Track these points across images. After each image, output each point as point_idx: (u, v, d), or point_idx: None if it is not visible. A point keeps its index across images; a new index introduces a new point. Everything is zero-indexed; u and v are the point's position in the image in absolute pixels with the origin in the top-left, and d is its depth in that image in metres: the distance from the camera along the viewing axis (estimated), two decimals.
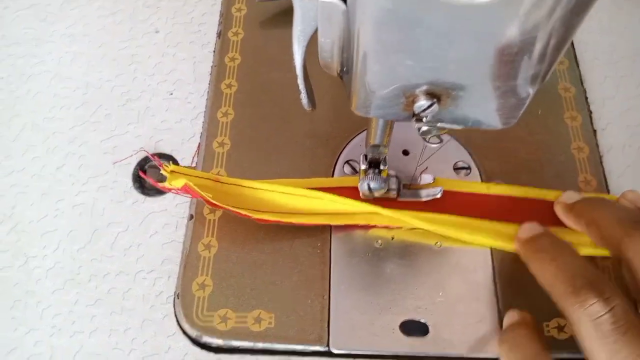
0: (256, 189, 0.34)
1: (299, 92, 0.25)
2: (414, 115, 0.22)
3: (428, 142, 0.29)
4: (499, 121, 0.22)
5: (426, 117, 0.22)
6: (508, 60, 0.18)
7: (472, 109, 0.21)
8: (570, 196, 0.33)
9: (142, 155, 0.38)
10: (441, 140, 0.28)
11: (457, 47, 0.18)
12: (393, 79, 0.20)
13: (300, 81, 0.24)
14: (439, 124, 0.24)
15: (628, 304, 0.24)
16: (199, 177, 0.33)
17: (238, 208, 0.32)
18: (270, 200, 0.34)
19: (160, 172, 0.33)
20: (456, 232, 0.33)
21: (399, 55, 0.19)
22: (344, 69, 0.23)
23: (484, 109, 0.21)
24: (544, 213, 0.34)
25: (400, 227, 0.34)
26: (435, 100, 0.21)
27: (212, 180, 0.34)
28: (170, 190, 0.32)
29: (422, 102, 0.21)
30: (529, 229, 0.31)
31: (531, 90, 0.20)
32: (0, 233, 0.35)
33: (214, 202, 0.32)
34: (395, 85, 0.21)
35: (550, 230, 0.31)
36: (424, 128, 0.26)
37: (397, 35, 0.18)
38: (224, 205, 0.32)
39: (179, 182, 0.31)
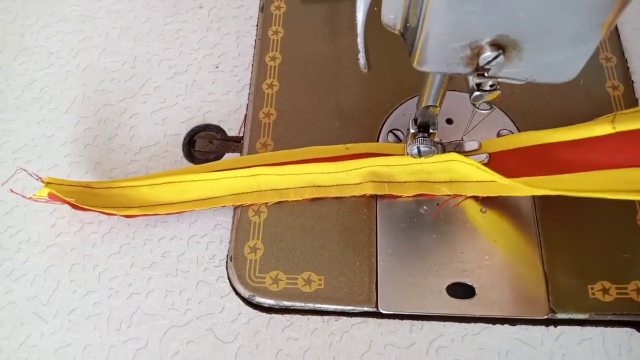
0: (124, 187, 0.35)
1: (358, 52, 0.26)
2: (476, 69, 0.23)
3: (478, 108, 0.29)
4: (560, 74, 0.22)
5: (489, 70, 0.23)
6: (578, 8, 0.19)
7: (536, 61, 0.22)
8: None
9: (190, 125, 0.39)
10: (491, 107, 0.29)
11: None
12: (460, 29, 0.21)
13: (360, 40, 0.25)
14: (499, 79, 0.24)
15: None
16: (71, 185, 0.35)
17: (104, 208, 0.34)
18: (137, 195, 0.35)
19: (210, 141, 0.34)
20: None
21: (471, 3, 0.19)
22: (407, 25, 0.23)
23: (547, 60, 0.22)
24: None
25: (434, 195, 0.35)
26: (501, 51, 0.21)
27: (83, 186, 0.35)
28: (38, 200, 0.34)
29: (488, 54, 0.21)
30: None
31: (597, 40, 0.20)
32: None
33: (79, 205, 0.34)
34: (463, 36, 0.21)
35: None
36: (477, 93, 0.27)
37: None
38: (90, 208, 0.34)
39: (44, 192, 0.33)
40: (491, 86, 0.26)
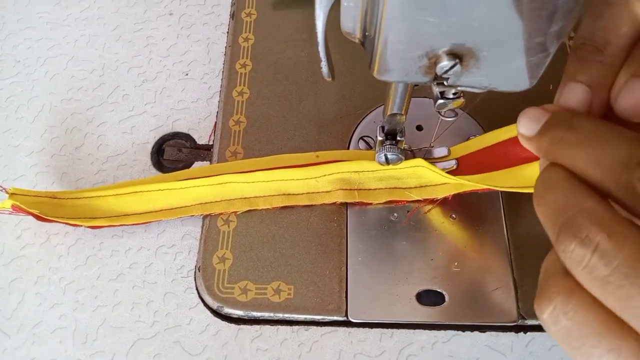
0: (90, 197, 0.35)
1: (320, 61, 0.26)
2: (435, 78, 0.23)
3: (443, 115, 0.29)
4: (518, 83, 0.22)
5: (447, 79, 0.23)
6: (533, 15, 0.19)
7: (494, 70, 0.22)
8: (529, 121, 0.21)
9: (159, 133, 0.38)
10: (456, 114, 0.29)
11: (482, 4, 0.19)
12: (416, 39, 0.21)
13: (321, 48, 0.25)
14: (458, 88, 0.24)
15: (620, 230, 0.17)
16: (37, 196, 0.34)
17: (69, 219, 0.34)
18: (102, 205, 0.35)
19: (179, 149, 0.34)
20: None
21: (424, 12, 0.19)
22: (366, 34, 0.23)
23: (505, 69, 0.22)
24: None
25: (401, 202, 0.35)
26: (457, 60, 0.21)
27: (49, 197, 0.35)
28: (1, 212, 0.33)
29: (445, 63, 0.21)
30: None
31: (553, 48, 0.20)
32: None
33: (44, 217, 0.33)
34: (419, 45, 0.21)
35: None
36: (440, 101, 0.27)
37: None
38: (55, 219, 0.33)
39: (7, 204, 0.33)
40: (454, 94, 0.26)
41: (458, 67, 0.21)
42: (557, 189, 0.19)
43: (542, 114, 0.21)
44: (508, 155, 0.34)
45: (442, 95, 0.27)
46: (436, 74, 0.22)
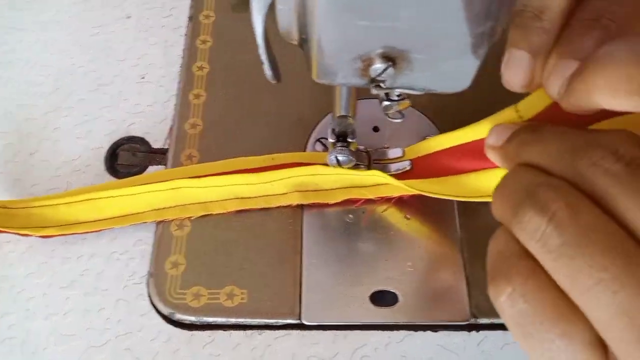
0: (41, 206, 0.34)
1: (262, 64, 0.26)
2: (372, 80, 0.23)
3: (390, 117, 0.29)
4: (453, 84, 0.23)
5: (383, 82, 0.23)
6: (457, 18, 0.19)
7: (427, 72, 0.22)
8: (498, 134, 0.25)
9: (114, 138, 0.38)
10: (403, 116, 0.29)
11: (408, 6, 0.19)
12: (348, 41, 0.21)
13: (262, 51, 0.25)
14: (397, 90, 0.24)
15: (577, 202, 0.17)
16: None
17: (18, 229, 0.33)
18: (54, 214, 0.34)
19: (133, 153, 0.34)
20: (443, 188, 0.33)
21: (352, 15, 0.19)
22: (303, 37, 0.23)
23: (438, 70, 0.22)
24: None
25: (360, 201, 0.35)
26: (390, 63, 0.21)
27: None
28: None
29: (378, 66, 0.21)
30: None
31: (481, 51, 0.21)
32: None
33: None
34: (351, 48, 0.21)
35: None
36: (386, 103, 0.27)
37: None
38: (4, 230, 0.33)
39: None
40: (398, 96, 0.27)
41: (391, 69, 0.22)
42: (519, 173, 0.20)
43: (510, 127, 0.24)
44: (462, 160, 0.34)
45: (388, 97, 0.27)
46: (372, 77, 0.22)
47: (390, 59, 0.21)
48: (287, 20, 0.23)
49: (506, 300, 0.18)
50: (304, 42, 0.23)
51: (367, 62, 0.22)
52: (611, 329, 0.16)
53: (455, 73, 0.22)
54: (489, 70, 0.40)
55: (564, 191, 0.18)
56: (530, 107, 0.30)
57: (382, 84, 0.23)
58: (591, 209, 0.17)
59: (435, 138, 0.36)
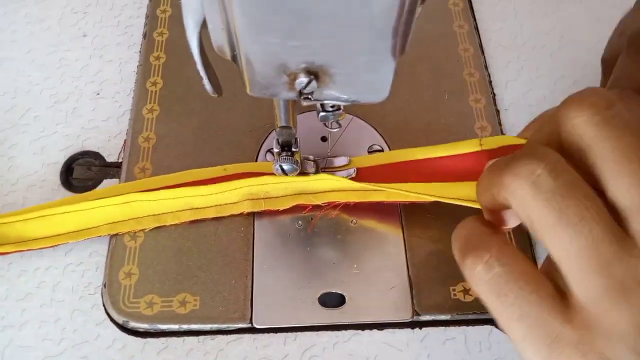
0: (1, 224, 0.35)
1: (201, 79, 0.27)
2: (300, 93, 0.24)
3: (330, 127, 0.31)
4: (373, 95, 0.24)
5: (311, 94, 0.24)
6: (365, 36, 0.21)
7: (347, 84, 0.24)
8: None
9: (69, 153, 0.39)
10: (340, 126, 0.30)
11: (318, 26, 0.20)
12: (271, 58, 0.22)
13: (199, 67, 0.26)
14: (325, 101, 0.26)
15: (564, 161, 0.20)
16: None
17: None
18: (9, 232, 0.35)
19: (88, 167, 0.35)
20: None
21: (269, 34, 0.21)
22: (234, 53, 0.25)
23: (357, 83, 0.23)
24: (456, 166, 0.35)
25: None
26: (312, 77, 0.23)
27: None
28: None
29: (301, 80, 0.23)
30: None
31: (393, 63, 0.22)
32: None
33: None
34: (273, 64, 0.23)
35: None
36: (322, 114, 0.29)
37: (260, 13, 0.20)
38: None
39: None
40: (332, 107, 0.28)
41: (314, 83, 0.23)
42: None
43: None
44: (407, 173, 0.36)
45: (323, 108, 0.29)
46: (298, 90, 0.24)
47: (312, 72, 0.23)
48: (218, 38, 0.24)
49: (483, 267, 0.21)
50: (235, 58, 0.25)
51: (292, 77, 0.23)
52: (577, 262, 0.19)
53: (373, 85, 0.24)
54: (429, 79, 0.42)
55: (553, 154, 0.20)
56: (492, 142, 0.34)
57: (310, 97, 0.25)
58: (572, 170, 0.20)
59: (384, 154, 0.38)
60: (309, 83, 0.23)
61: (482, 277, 0.21)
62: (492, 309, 0.21)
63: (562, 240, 0.19)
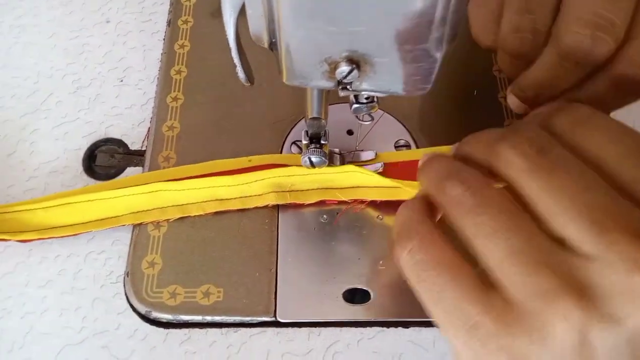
0: (19, 211, 0.35)
1: (235, 67, 0.26)
2: (338, 83, 0.24)
3: (361, 120, 0.30)
4: (415, 87, 0.24)
5: (350, 84, 0.24)
6: (412, 24, 0.20)
7: (389, 75, 0.23)
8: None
9: (92, 140, 0.38)
10: (372, 118, 0.30)
11: (365, 12, 0.20)
12: (313, 45, 0.22)
13: (234, 54, 0.26)
14: (363, 92, 0.25)
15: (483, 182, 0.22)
16: None
17: None
18: (32, 219, 0.34)
19: (111, 155, 0.34)
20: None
21: (316, 21, 0.20)
22: (273, 41, 0.24)
23: (399, 74, 0.23)
24: None
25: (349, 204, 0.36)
26: (354, 66, 0.22)
27: None
28: None
29: (343, 69, 0.22)
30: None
31: (439, 54, 0.22)
32: None
33: None
34: (316, 52, 0.22)
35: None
36: (355, 105, 0.28)
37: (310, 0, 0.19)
38: None
39: None
40: (367, 99, 0.28)
41: (355, 72, 0.23)
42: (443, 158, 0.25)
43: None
44: None
45: (357, 100, 0.28)
46: (338, 79, 0.23)
47: (354, 62, 0.22)
48: (257, 24, 0.23)
49: (407, 254, 0.23)
50: (273, 45, 0.24)
51: (333, 65, 0.23)
52: (503, 264, 0.20)
53: (416, 76, 0.23)
54: (458, 75, 0.42)
55: (475, 176, 0.23)
56: None
57: (348, 87, 0.24)
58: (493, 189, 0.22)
59: (411, 151, 0.37)
60: (350, 72, 0.22)
61: (407, 264, 0.23)
62: (417, 293, 0.23)
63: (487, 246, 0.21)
